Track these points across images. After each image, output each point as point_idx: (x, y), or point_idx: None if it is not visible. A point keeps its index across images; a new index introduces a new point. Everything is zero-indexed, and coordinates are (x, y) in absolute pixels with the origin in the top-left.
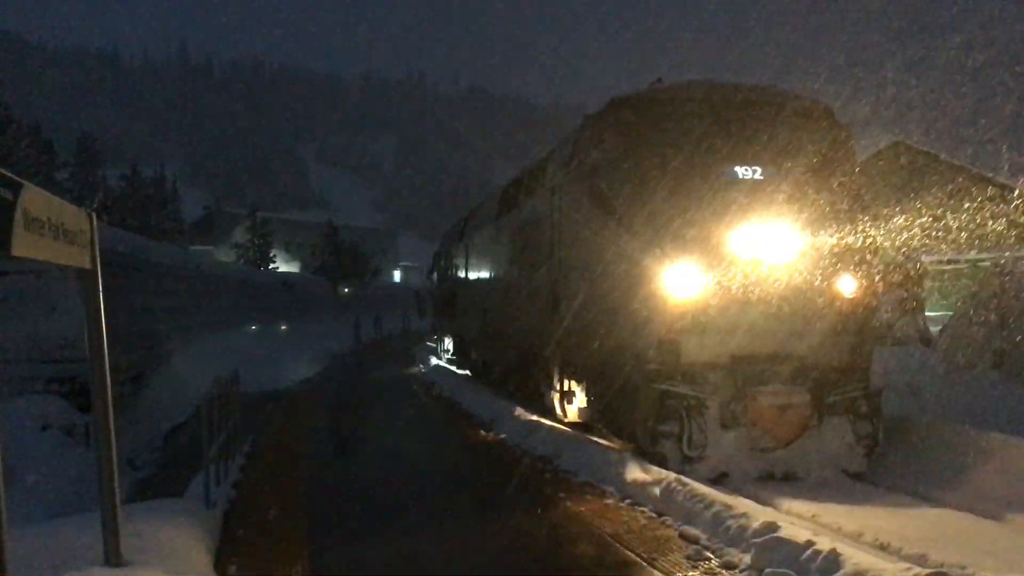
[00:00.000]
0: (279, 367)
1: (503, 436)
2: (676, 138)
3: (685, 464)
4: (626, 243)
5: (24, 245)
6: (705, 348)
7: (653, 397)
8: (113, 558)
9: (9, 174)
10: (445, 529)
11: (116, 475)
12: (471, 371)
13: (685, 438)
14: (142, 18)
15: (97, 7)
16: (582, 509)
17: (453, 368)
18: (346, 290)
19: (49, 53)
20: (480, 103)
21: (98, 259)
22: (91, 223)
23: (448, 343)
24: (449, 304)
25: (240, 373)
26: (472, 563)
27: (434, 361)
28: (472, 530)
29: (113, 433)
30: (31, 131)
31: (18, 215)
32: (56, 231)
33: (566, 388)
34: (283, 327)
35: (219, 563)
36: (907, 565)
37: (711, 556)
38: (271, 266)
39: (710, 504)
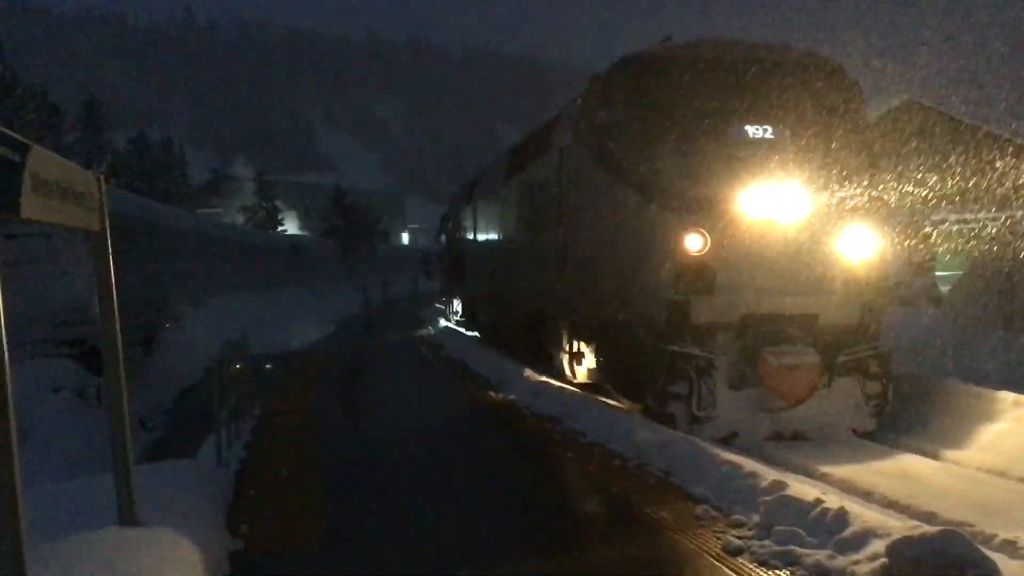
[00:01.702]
0: (288, 330)
1: (512, 397)
2: (685, 97)
3: (694, 424)
4: (635, 204)
5: (33, 207)
6: (715, 309)
7: (662, 358)
8: (127, 517)
9: (17, 136)
10: (454, 488)
11: (128, 436)
12: (480, 333)
13: (694, 399)
14: None
15: None
16: (591, 469)
17: (462, 330)
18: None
19: (54, 16)
20: (487, 64)
21: (107, 221)
22: (99, 185)
23: (457, 305)
24: (457, 266)
25: (250, 336)
26: (481, 522)
27: (443, 323)
28: (481, 490)
29: (125, 394)
30: (37, 95)
31: (26, 177)
32: (64, 193)
33: (575, 349)
34: (292, 290)
35: (231, 522)
36: (915, 523)
37: (719, 515)
38: (279, 229)
39: (719, 464)
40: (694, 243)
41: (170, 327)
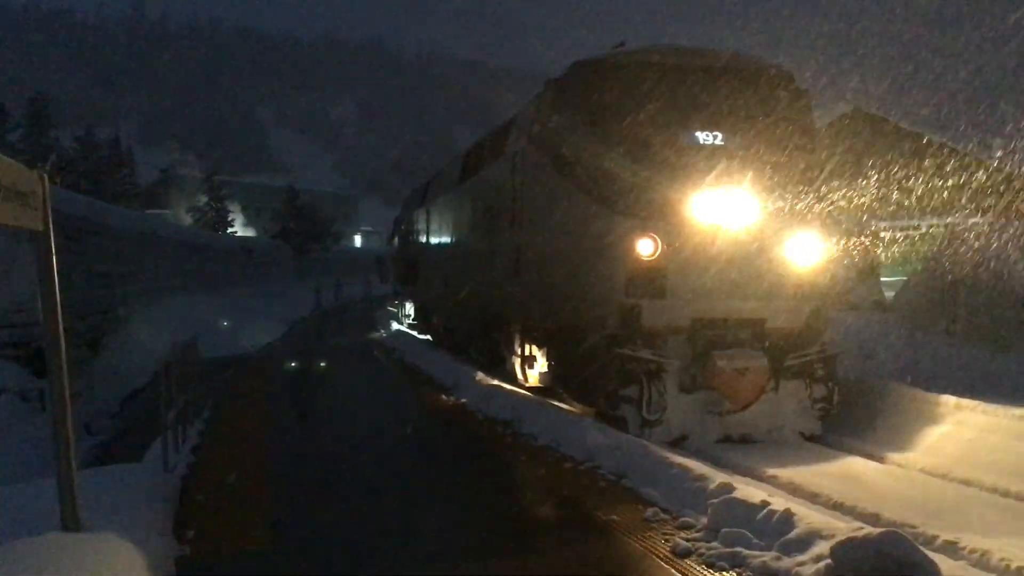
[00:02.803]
0: (239, 332)
1: (464, 400)
2: (638, 103)
3: (645, 428)
4: (587, 208)
5: None
6: (665, 312)
7: (614, 361)
8: (70, 523)
9: None
10: (404, 491)
11: (72, 440)
12: (432, 336)
13: (645, 402)
14: None
15: None
16: (542, 472)
17: (415, 333)
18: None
19: (1, 11)
20: (442, 67)
21: (51, 221)
22: (43, 184)
23: (410, 308)
24: (411, 269)
25: (199, 338)
26: (431, 525)
27: (395, 326)
28: (432, 493)
29: (68, 397)
30: None
31: None
32: (7, 192)
33: (527, 353)
34: (243, 291)
35: (177, 527)
36: (859, 524)
37: (669, 517)
38: (230, 230)
39: (668, 466)
40: (646, 247)
41: (117, 329)
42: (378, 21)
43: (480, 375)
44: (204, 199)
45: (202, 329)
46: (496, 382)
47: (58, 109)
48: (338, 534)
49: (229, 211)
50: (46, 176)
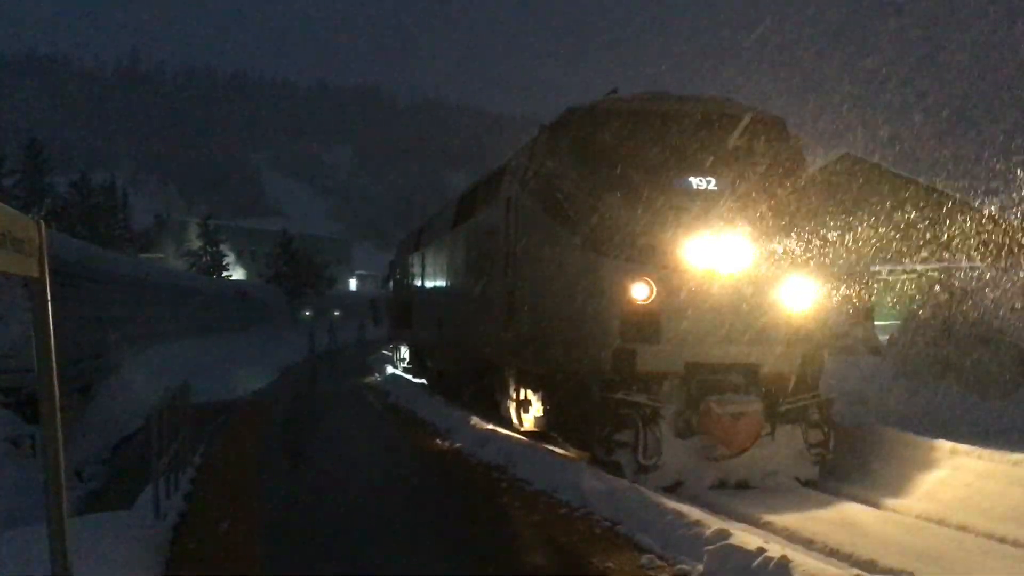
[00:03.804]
0: (232, 377)
1: (458, 445)
2: (631, 148)
3: (640, 473)
4: (580, 252)
5: None
6: (660, 357)
7: (608, 406)
8: (60, 572)
9: None
10: (399, 541)
11: (64, 488)
12: (427, 380)
13: (640, 447)
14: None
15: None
16: (537, 518)
17: (409, 377)
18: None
19: None
20: (435, 112)
21: (47, 267)
22: (39, 230)
23: (404, 352)
24: (405, 313)
25: (191, 384)
26: (424, 573)
27: (390, 370)
28: (426, 542)
29: (61, 444)
30: None
31: None
32: (3, 239)
33: (522, 397)
34: (237, 336)
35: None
36: (856, 571)
37: (664, 564)
38: (224, 275)
39: (664, 512)
40: (640, 292)
41: (109, 374)
42: (372, 67)
43: (474, 419)
44: (198, 243)
45: (195, 374)
46: (490, 426)
47: (53, 155)
48: None
49: (223, 255)
50: (42, 223)
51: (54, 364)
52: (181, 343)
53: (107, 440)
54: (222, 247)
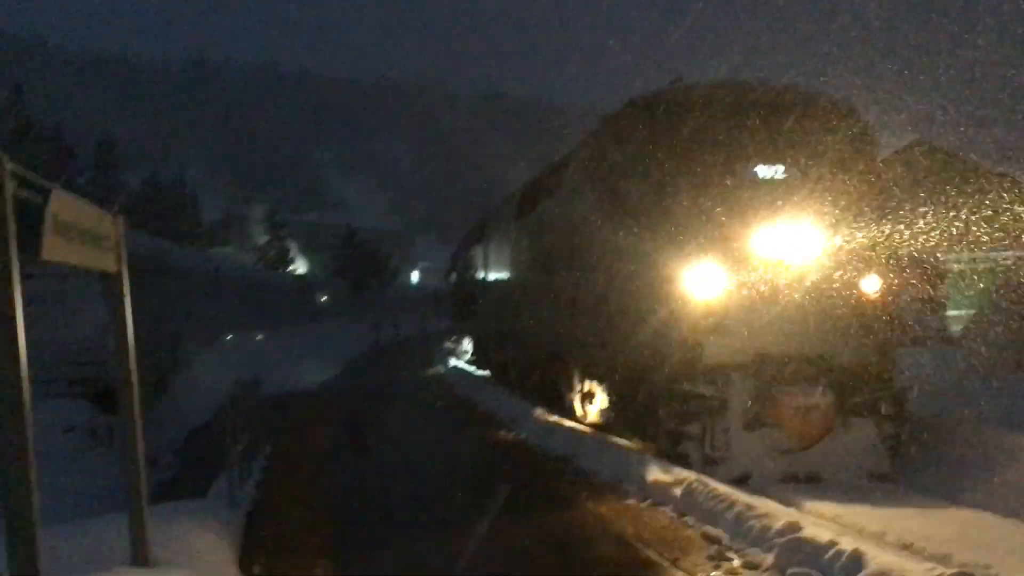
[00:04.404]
0: (299, 370)
1: (523, 436)
2: (696, 137)
3: (707, 465)
4: (647, 244)
5: (54, 249)
6: (728, 348)
7: (675, 398)
8: (140, 558)
9: (39, 179)
10: (466, 529)
11: (143, 476)
12: (491, 372)
13: (707, 439)
14: (159, 23)
15: (116, 12)
16: (603, 510)
17: (472, 369)
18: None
19: (69, 57)
20: (497, 105)
21: (124, 262)
22: (117, 226)
23: (467, 344)
24: (468, 306)
25: (260, 375)
26: (492, 564)
27: (453, 362)
28: (492, 531)
29: (141, 434)
30: (51, 136)
31: (48, 219)
32: (84, 235)
33: (586, 389)
34: (303, 329)
35: (243, 562)
36: (931, 565)
37: (733, 556)
38: (289, 268)
39: (732, 504)
40: (708, 283)
41: (181, 367)
42: (434, 62)
43: (539, 411)
44: (265, 238)
45: (263, 366)
46: (555, 418)
47: (125, 153)
48: (398, 572)
49: (289, 250)
50: (120, 219)
51: (133, 356)
52: (249, 336)
53: (180, 431)
54: (287, 241)
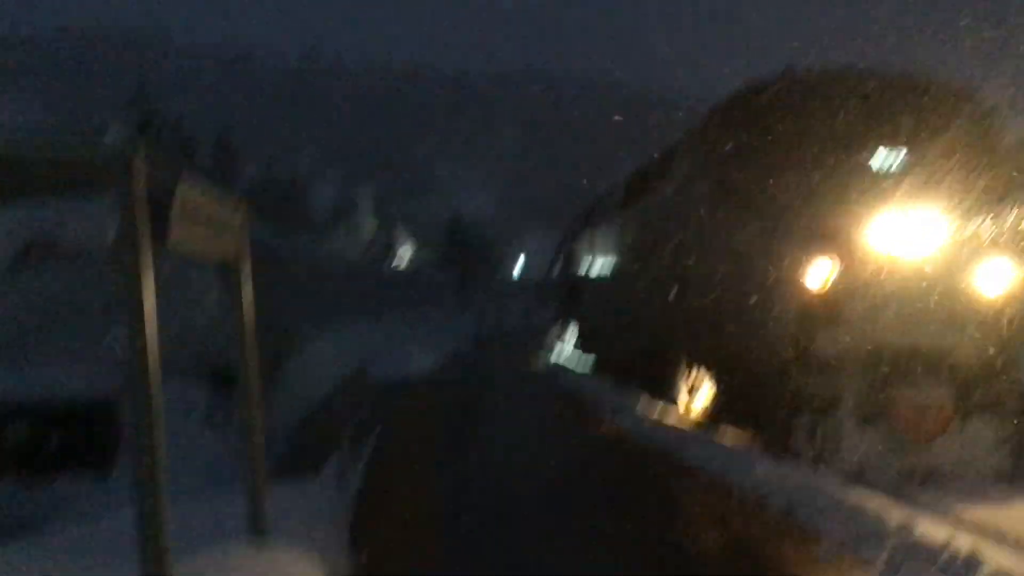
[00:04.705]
0: (404, 357)
1: (626, 427)
2: (809, 126)
3: (819, 461)
4: (758, 235)
5: (181, 234)
6: (842, 342)
7: (786, 391)
8: (258, 530)
9: (168, 165)
10: (569, 519)
11: (262, 453)
12: (594, 363)
13: (819, 434)
14: (274, 18)
15: (235, 5)
16: (708, 502)
17: (577, 359)
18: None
19: (190, 49)
20: (603, 95)
21: (246, 247)
22: (241, 213)
23: (571, 334)
24: (572, 296)
25: (368, 363)
26: (597, 559)
27: (557, 353)
28: (594, 520)
29: (259, 413)
30: (174, 127)
31: (176, 206)
32: (209, 220)
33: (693, 381)
34: (408, 318)
35: (354, 540)
36: None
37: (845, 553)
38: (396, 258)
39: (843, 501)
40: (822, 274)
41: (293, 353)
42: (542, 52)
43: (643, 402)
44: (372, 228)
45: (370, 354)
46: (660, 410)
47: (241, 145)
48: (506, 557)
49: (396, 239)
50: (244, 205)
51: (252, 340)
52: (357, 324)
53: (292, 414)
54: (395, 231)
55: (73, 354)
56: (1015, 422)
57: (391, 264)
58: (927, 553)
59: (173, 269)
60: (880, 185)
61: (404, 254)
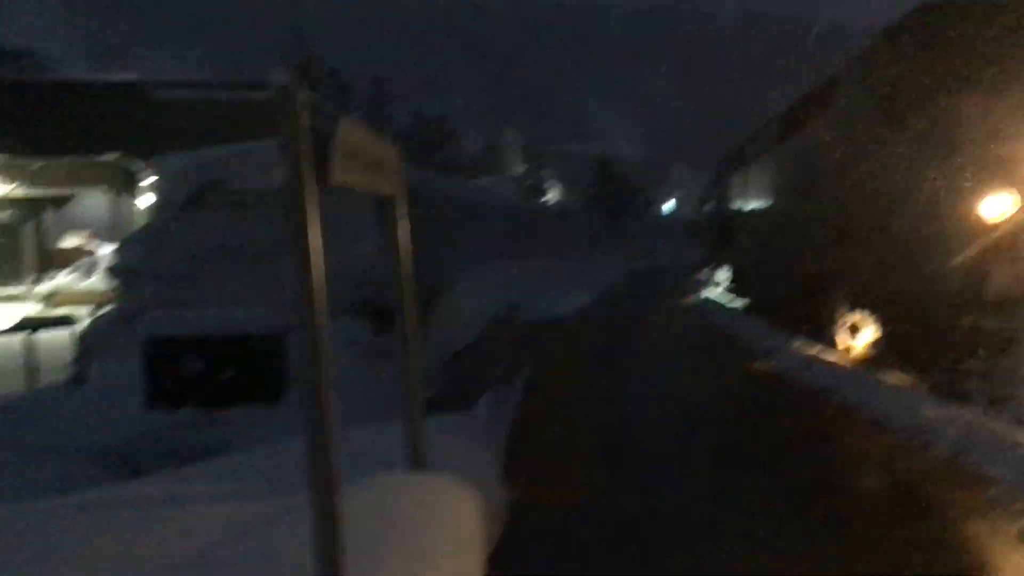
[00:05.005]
0: (554, 297)
1: (781, 367)
2: (989, 47)
3: (991, 404)
4: (928, 162)
5: (342, 174)
6: (1018, 279)
7: (957, 331)
8: (416, 462)
9: (329, 108)
10: (720, 460)
11: (420, 387)
12: (748, 302)
13: (992, 377)
14: None
15: None
16: (868, 444)
17: (728, 299)
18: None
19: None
20: (756, 27)
21: (401, 186)
22: (395, 153)
23: (723, 274)
24: (724, 234)
25: (518, 302)
26: (748, 500)
27: (709, 292)
28: (748, 464)
29: (417, 348)
30: (331, 72)
31: (336, 147)
32: (367, 161)
33: (852, 320)
34: (557, 257)
35: (506, 474)
36: None
37: (1014, 499)
38: (545, 198)
39: (1017, 445)
40: (997, 205)
41: (444, 292)
42: None
43: (799, 342)
44: (522, 168)
45: (519, 293)
46: (816, 350)
47: (393, 87)
48: (658, 497)
49: (544, 179)
50: (399, 147)
51: (410, 278)
52: (507, 264)
53: (445, 351)
54: (543, 171)
55: (244, 291)
56: None
57: (541, 204)
58: None
59: (336, 210)
60: None
61: (554, 194)
